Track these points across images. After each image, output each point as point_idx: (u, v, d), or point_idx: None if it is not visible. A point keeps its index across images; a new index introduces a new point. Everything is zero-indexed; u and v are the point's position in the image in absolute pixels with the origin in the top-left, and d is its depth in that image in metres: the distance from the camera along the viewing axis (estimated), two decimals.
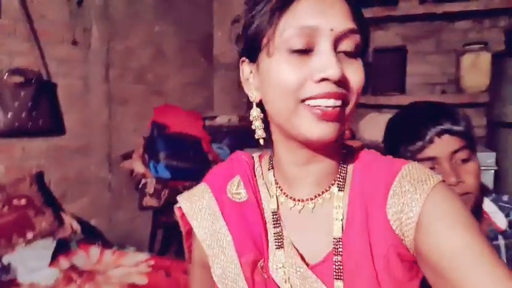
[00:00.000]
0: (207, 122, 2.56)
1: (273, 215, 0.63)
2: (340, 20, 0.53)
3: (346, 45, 0.54)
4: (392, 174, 0.58)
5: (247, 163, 0.68)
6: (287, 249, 0.61)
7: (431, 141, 0.88)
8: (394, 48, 2.79)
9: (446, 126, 0.88)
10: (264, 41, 0.56)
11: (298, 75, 0.53)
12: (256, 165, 0.69)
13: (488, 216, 1.04)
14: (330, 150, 0.60)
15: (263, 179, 0.67)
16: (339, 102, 0.53)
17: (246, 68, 0.61)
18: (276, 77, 0.54)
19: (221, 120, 2.53)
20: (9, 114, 1.74)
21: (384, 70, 2.78)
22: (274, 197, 0.64)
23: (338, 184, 0.61)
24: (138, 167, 2.09)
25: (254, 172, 0.68)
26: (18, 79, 1.82)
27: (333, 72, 0.51)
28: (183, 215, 0.68)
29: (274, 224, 0.62)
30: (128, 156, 2.22)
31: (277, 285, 0.60)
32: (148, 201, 2.01)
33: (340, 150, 0.63)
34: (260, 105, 0.60)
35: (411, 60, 2.88)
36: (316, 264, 0.59)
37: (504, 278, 0.48)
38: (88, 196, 2.24)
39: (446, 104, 0.98)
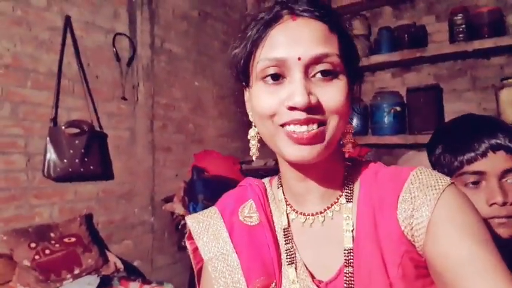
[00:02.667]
0: (244, 166, 2.64)
1: (284, 232, 0.63)
2: (309, 47, 0.54)
3: (320, 68, 0.55)
4: (401, 181, 0.58)
5: (258, 187, 0.70)
6: (299, 268, 0.60)
7: (484, 155, 0.82)
8: (427, 87, 2.80)
9: (504, 141, 0.81)
10: (249, 70, 0.60)
11: (272, 102, 0.55)
12: (268, 187, 0.71)
13: None
14: (330, 164, 0.61)
15: (274, 199, 0.68)
16: (313, 127, 0.54)
17: (245, 91, 0.65)
18: (256, 104, 0.58)
19: (257, 163, 2.61)
20: (65, 161, 1.93)
21: (419, 109, 2.77)
22: (285, 214, 0.65)
23: (346, 195, 0.62)
24: (179, 209, 2.18)
25: (267, 195, 0.69)
26: (74, 130, 2.03)
27: (299, 101, 0.52)
28: (195, 249, 0.68)
29: (285, 241, 0.62)
30: (169, 199, 2.32)
31: None
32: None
33: (343, 163, 0.64)
34: None
35: (447, 98, 2.86)
36: (329, 280, 0.58)
37: (507, 287, 0.47)
38: (131, 238, 2.33)
39: (503, 120, 0.91)
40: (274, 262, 0.61)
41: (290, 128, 0.55)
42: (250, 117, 0.65)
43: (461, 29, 2.67)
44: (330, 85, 0.55)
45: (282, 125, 0.56)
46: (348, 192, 0.62)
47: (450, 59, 2.85)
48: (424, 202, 0.55)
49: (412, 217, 0.55)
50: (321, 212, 0.62)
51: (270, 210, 0.67)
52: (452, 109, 2.86)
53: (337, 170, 0.63)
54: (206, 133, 2.97)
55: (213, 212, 0.69)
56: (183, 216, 2.16)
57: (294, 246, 0.62)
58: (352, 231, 0.59)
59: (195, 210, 2.22)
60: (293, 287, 0.59)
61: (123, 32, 2.41)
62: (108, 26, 2.32)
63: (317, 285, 0.58)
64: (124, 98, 2.39)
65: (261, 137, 0.63)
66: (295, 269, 0.60)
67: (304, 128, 0.54)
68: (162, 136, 2.61)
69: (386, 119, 2.81)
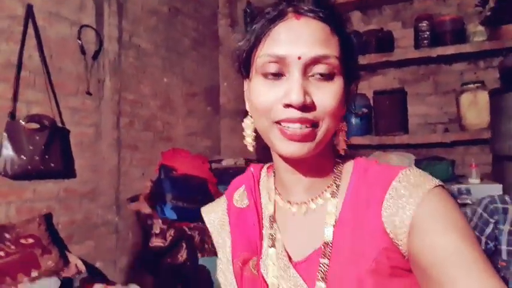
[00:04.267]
0: (214, 165, 2.61)
1: (269, 218, 0.68)
2: (309, 47, 0.55)
3: (318, 69, 0.56)
4: (389, 179, 0.60)
5: (252, 173, 0.75)
6: (278, 249, 0.64)
7: None
8: (393, 90, 2.89)
9: None
10: (251, 63, 0.61)
11: (269, 99, 0.57)
12: (263, 174, 0.75)
13: None
14: (319, 160, 0.63)
15: (266, 186, 0.73)
16: (305, 126, 0.56)
17: (245, 82, 0.67)
18: (254, 98, 0.60)
19: (227, 163, 2.59)
20: (23, 158, 1.83)
21: (385, 112, 2.86)
22: (273, 201, 0.69)
23: (331, 191, 0.64)
24: (145, 208, 2.12)
25: (259, 181, 0.74)
26: (34, 125, 1.93)
27: (295, 99, 0.54)
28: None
29: (270, 225, 0.67)
30: (135, 199, 2.26)
31: (265, 281, 0.63)
32: (155, 241, 2.01)
33: (333, 159, 0.67)
34: None
35: (411, 101, 2.97)
36: (300, 261, 0.62)
37: (493, 284, 0.48)
38: (94, 239, 2.25)
39: None
40: (257, 242, 0.66)
41: (284, 124, 0.57)
42: (247, 107, 0.67)
43: (425, 36, 2.78)
44: (326, 86, 0.57)
45: (277, 122, 0.58)
46: (333, 187, 0.64)
47: (415, 64, 2.95)
48: (409, 201, 0.56)
49: (396, 215, 0.56)
50: (304, 203, 0.65)
51: (260, 196, 0.71)
52: (415, 112, 2.97)
53: (325, 165, 0.66)
54: (175, 131, 2.92)
55: (223, 202, 0.76)
56: (149, 216, 2.11)
57: (277, 230, 0.66)
58: (333, 225, 0.61)
59: (162, 210, 2.17)
60: (272, 268, 0.63)
61: (89, 24, 2.31)
62: (73, 18, 2.22)
63: (293, 266, 0.62)
64: (89, 93, 2.30)
65: (255, 128, 0.66)
66: (275, 249, 0.64)
67: (297, 125, 0.56)
68: (128, 133, 2.53)
69: (353, 121, 2.88)
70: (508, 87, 2.22)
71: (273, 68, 0.57)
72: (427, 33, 2.76)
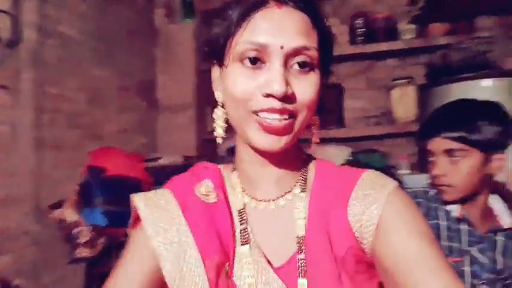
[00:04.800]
0: (150, 164, 2.47)
1: (239, 214, 0.64)
2: (292, 37, 0.55)
3: (298, 60, 0.56)
4: (353, 179, 0.62)
5: (212, 169, 0.70)
6: (253, 249, 0.61)
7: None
8: (330, 85, 2.95)
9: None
10: (226, 50, 0.59)
11: (248, 87, 0.56)
12: (222, 170, 0.71)
13: (494, 213, 1.16)
14: (289, 154, 0.62)
15: (229, 181, 0.69)
16: (285, 117, 0.56)
17: (215, 70, 0.64)
18: (230, 87, 0.57)
19: (164, 161, 2.46)
20: None
21: (322, 106, 2.89)
22: (239, 196, 0.66)
23: (300, 185, 0.64)
24: (70, 216, 1.93)
25: (222, 176, 0.70)
26: None
27: (277, 89, 0.53)
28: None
29: (240, 222, 0.63)
30: (58, 205, 2.05)
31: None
32: (82, 251, 1.84)
33: (301, 155, 0.67)
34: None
35: (347, 96, 3.06)
36: (281, 265, 0.60)
37: (453, 283, 0.51)
38: (11, 252, 2.01)
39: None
40: (229, 240, 0.61)
41: (263, 115, 0.56)
42: (217, 96, 0.64)
43: (360, 33, 2.85)
44: (305, 78, 0.57)
45: (255, 112, 0.56)
46: (302, 183, 0.64)
47: (350, 59, 3.03)
48: (375, 200, 0.59)
49: (363, 214, 0.58)
50: (273, 199, 0.64)
51: (227, 191, 0.68)
52: (351, 106, 3.06)
53: (294, 160, 0.65)
54: (106, 128, 2.71)
55: (163, 193, 0.68)
56: (75, 224, 1.93)
57: (249, 228, 0.63)
58: (304, 218, 0.61)
59: (91, 216, 1.99)
60: (247, 267, 0.59)
61: (4, 9, 2.05)
62: None
63: (274, 270, 0.59)
64: (4, 86, 2.04)
65: (227, 118, 0.63)
66: (249, 247, 0.61)
67: (276, 116, 0.56)
68: (51, 132, 2.30)
69: None
70: (434, 82, 2.35)
71: (253, 55, 0.56)
72: (362, 29, 2.84)
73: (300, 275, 0.58)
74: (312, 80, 0.58)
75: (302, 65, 0.57)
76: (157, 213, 0.64)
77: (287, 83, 0.55)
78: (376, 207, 0.58)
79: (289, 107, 0.56)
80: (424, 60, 2.83)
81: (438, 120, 1.13)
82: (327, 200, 0.62)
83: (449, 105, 1.19)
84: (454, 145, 1.07)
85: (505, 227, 1.12)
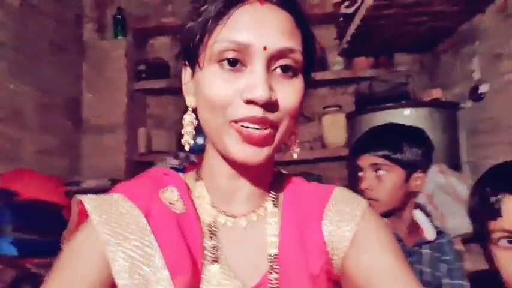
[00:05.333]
0: (72, 188, 2.26)
1: (208, 229, 0.58)
2: (276, 38, 0.50)
3: (282, 63, 0.51)
4: (325, 195, 0.61)
5: (175, 177, 0.62)
6: (223, 267, 0.55)
7: None
8: None
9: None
10: (201, 49, 0.53)
11: (227, 93, 0.50)
12: (184, 179, 0.63)
13: (419, 227, 1.25)
14: (263, 168, 0.58)
15: (195, 192, 0.62)
16: (266, 127, 0.52)
17: (186, 71, 0.58)
18: (207, 90, 0.52)
19: (88, 184, 2.27)
20: None
21: None
22: (209, 210, 0.60)
23: (272, 201, 0.60)
24: None
25: (187, 185, 0.62)
26: None
27: (260, 95, 0.49)
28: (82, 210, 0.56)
29: (210, 237, 0.57)
30: None
31: None
32: None
33: (273, 169, 0.63)
34: (196, 111, 0.58)
35: None
36: (255, 286, 0.56)
37: None
38: None
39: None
40: (197, 257, 0.54)
41: (242, 124, 0.51)
42: (188, 101, 0.58)
43: None
44: (289, 83, 0.53)
45: (234, 121, 0.51)
46: (274, 198, 0.61)
47: None
48: (350, 218, 0.58)
49: (338, 229, 0.57)
50: (244, 215, 0.59)
51: (193, 203, 0.60)
52: None
53: (267, 174, 0.62)
54: (23, 149, 2.45)
55: (116, 198, 0.56)
56: None
57: (218, 244, 0.57)
58: (277, 236, 0.58)
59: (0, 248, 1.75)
60: (216, 283, 0.54)
61: None
62: None
63: None
64: None
65: (198, 124, 0.58)
66: (219, 265, 0.55)
67: (257, 126, 0.51)
68: None
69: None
70: (360, 110, 2.51)
71: (232, 56, 0.50)
72: None
73: None
74: (295, 86, 0.54)
75: (285, 69, 0.52)
76: (113, 217, 0.53)
77: (270, 88, 0.51)
78: (351, 224, 0.57)
79: (271, 116, 0.52)
80: (352, 90, 3.03)
81: (368, 139, 1.21)
82: (300, 216, 0.60)
83: (379, 127, 1.28)
84: (380, 160, 1.14)
85: (430, 239, 1.19)
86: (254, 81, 0.50)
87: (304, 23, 0.55)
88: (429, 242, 1.21)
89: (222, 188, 0.60)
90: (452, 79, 2.77)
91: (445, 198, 1.83)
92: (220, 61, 0.51)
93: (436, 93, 2.55)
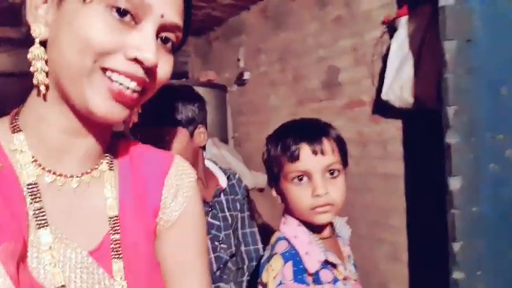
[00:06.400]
0: None
1: (29, 189, 0.50)
2: (175, 11, 0.51)
3: (166, 36, 0.52)
4: (166, 163, 0.62)
5: None
6: (54, 232, 0.50)
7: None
8: None
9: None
10: None
11: (111, 40, 0.46)
12: None
13: (214, 176, 1.29)
14: (106, 128, 0.56)
15: (7, 145, 0.52)
16: (139, 88, 0.50)
17: None
18: (83, 30, 0.46)
19: None
20: None
21: None
22: (29, 167, 0.51)
23: (108, 163, 0.58)
24: None
25: None
26: None
27: (149, 58, 0.48)
28: None
29: (33, 199, 0.50)
30: None
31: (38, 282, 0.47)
32: None
33: (111, 131, 0.59)
34: (45, 44, 0.49)
35: None
36: (94, 249, 0.53)
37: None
38: None
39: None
40: (23, 223, 0.48)
41: (117, 77, 0.48)
42: (35, 30, 0.49)
43: None
44: (166, 55, 0.53)
45: (104, 69, 0.47)
46: (110, 160, 0.58)
47: None
48: (184, 192, 0.61)
49: (172, 202, 0.60)
50: (77, 176, 0.54)
51: (7, 159, 0.51)
52: None
53: (107, 135, 0.58)
54: None
55: None
56: None
57: (46, 207, 0.51)
58: (116, 198, 0.56)
59: None
60: (46, 254, 0.48)
61: None
62: None
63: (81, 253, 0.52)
64: None
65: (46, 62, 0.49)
66: (49, 229, 0.50)
67: (133, 84, 0.49)
68: None
69: None
70: None
71: (124, 7, 0.47)
72: None
73: (115, 256, 0.53)
74: (171, 60, 0.54)
75: (166, 41, 0.52)
76: None
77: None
78: (182, 201, 0.60)
79: (148, 80, 0.50)
80: None
81: (146, 109, 1.17)
82: (139, 180, 0.59)
83: (152, 98, 1.26)
84: (164, 126, 1.15)
85: (224, 186, 1.30)
86: (146, 42, 0.48)
87: (190, 9, 0.58)
88: (224, 189, 1.32)
89: (52, 143, 0.53)
90: (223, 65, 3.14)
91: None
92: (109, 6, 0.47)
93: (212, 75, 2.82)
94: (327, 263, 0.84)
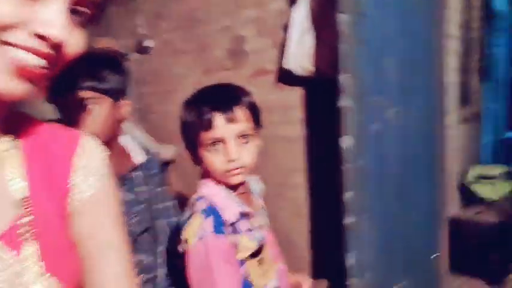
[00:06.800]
0: None
1: None
2: None
3: (78, 8, 0.48)
4: (74, 142, 0.59)
5: None
6: None
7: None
8: None
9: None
10: None
11: (14, 13, 0.42)
12: None
13: (128, 153, 1.26)
14: (3, 103, 0.50)
15: None
16: (45, 64, 0.46)
17: None
18: None
19: None
20: None
21: None
22: None
23: (9, 141, 0.53)
24: None
25: None
26: None
27: (56, 35, 0.44)
28: None
29: None
30: None
31: None
32: None
33: (15, 107, 0.55)
34: None
35: None
36: (2, 234, 0.49)
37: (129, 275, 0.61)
38: None
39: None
40: None
41: (21, 53, 0.44)
42: None
43: None
44: (76, 31, 0.49)
45: (5, 43, 0.43)
46: (13, 138, 0.54)
47: None
48: (95, 172, 0.59)
49: (82, 182, 0.58)
50: None
51: None
52: None
53: (9, 111, 0.54)
54: None
55: None
56: None
57: None
58: (24, 178, 0.53)
59: None
60: None
61: None
62: None
63: None
64: None
65: None
66: None
67: (37, 60, 0.45)
68: None
69: None
70: None
71: None
72: None
73: (28, 238, 0.51)
74: (81, 36, 0.50)
75: (76, 13, 0.48)
76: None
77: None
78: (94, 182, 0.59)
79: (55, 54, 0.47)
80: None
81: (70, 76, 1.12)
82: (45, 158, 0.56)
83: (78, 62, 1.19)
84: (88, 94, 1.11)
85: (139, 163, 1.29)
86: (55, 17, 0.44)
87: None
88: (140, 165, 1.30)
89: None
90: (119, 31, 2.93)
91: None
92: None
93: (108, 42, 2.63)
94: (242, 216, 0.92)
